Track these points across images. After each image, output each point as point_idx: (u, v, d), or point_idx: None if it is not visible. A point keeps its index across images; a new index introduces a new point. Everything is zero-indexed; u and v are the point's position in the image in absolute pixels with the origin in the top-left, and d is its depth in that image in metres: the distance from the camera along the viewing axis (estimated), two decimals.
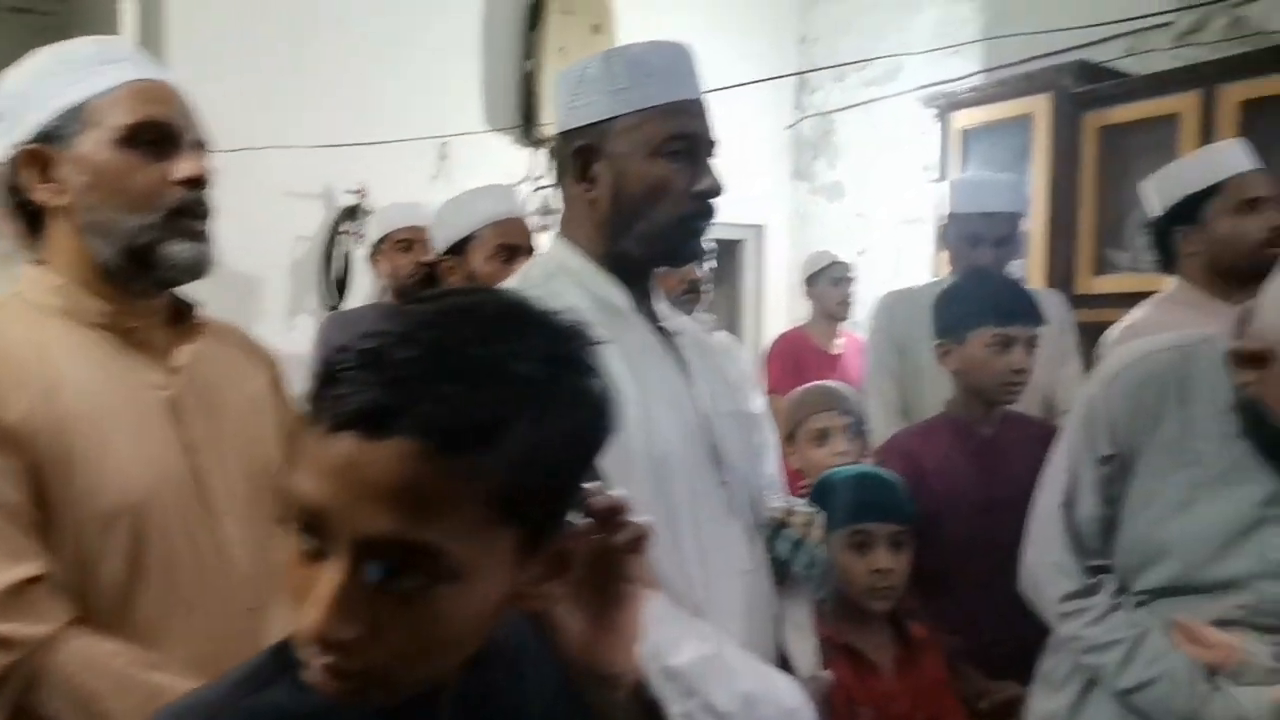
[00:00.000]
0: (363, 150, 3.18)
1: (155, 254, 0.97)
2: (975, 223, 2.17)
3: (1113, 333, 1.93)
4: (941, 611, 1.67)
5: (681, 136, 1.12)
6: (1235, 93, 2.64)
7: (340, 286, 3.29)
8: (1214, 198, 1.84)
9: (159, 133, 0.97)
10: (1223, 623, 1.18)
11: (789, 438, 2.02)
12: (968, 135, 3.26)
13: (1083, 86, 2.96)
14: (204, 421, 1.00)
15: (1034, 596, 1.33)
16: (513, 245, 1.80)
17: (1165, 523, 1.21)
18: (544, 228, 3.06)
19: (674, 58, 1.15)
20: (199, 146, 1.02)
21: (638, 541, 0.63)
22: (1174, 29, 3.00)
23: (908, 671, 1.47)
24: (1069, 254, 3.01)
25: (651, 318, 1.20)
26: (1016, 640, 1.44)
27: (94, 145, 0.95)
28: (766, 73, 3.93)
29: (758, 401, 2.17)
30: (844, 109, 4.13)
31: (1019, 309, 1.70)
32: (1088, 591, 1.26)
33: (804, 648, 1.20)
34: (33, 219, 0.99)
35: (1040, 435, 1.59)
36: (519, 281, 1.19)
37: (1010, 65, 3.29)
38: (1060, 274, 3.01)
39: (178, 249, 0.98)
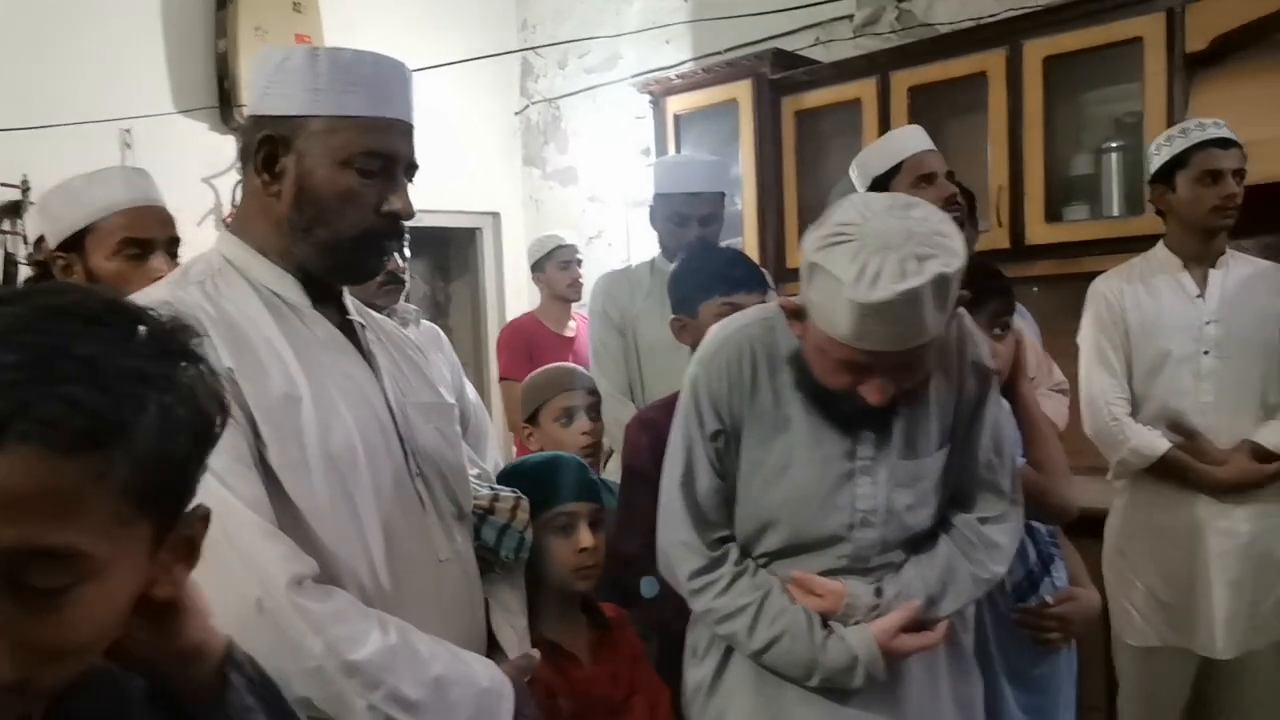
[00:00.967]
0: (23, 138, 2.81)
1: None
2: (680, 203, 2.25)
3: None
4: None
5: (377, 154, 1.06)
6: (904, 79, 2.94)
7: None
8: (897, 175, 2.12)
9: None
10: (831, 572, 1.27)
11: (530, 419, 2.00)
12: (681, 120, 3.40)
13: (779, 74, 3.18)
14: None
15: (668, 576, 1.35)
16: (144, 239, 1.57)
17: (770, 489, 1.27)
18: None
19: (386, 73, 1.09)
20: None
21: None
22: (854, 21, 3.28)
23: (604, 654, 1.49)
24: (778, 231, 3.23)
25: (340, 311, 1.15)
26: None
27: None
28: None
29: (469, 391, 2.16)
30: (568, 95, 4.18)
31: (745, 278, 1.76)
32: (713, 565, 1.29)
33: (510, 632, 1.19)
34: None
35: None
36: (178, 278, 1.09)
37: (716, 54, 3.47)
38: (772, 251, 3.22)
39: None
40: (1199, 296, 2.11)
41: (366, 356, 1.13)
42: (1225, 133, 2.07)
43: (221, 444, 0.61)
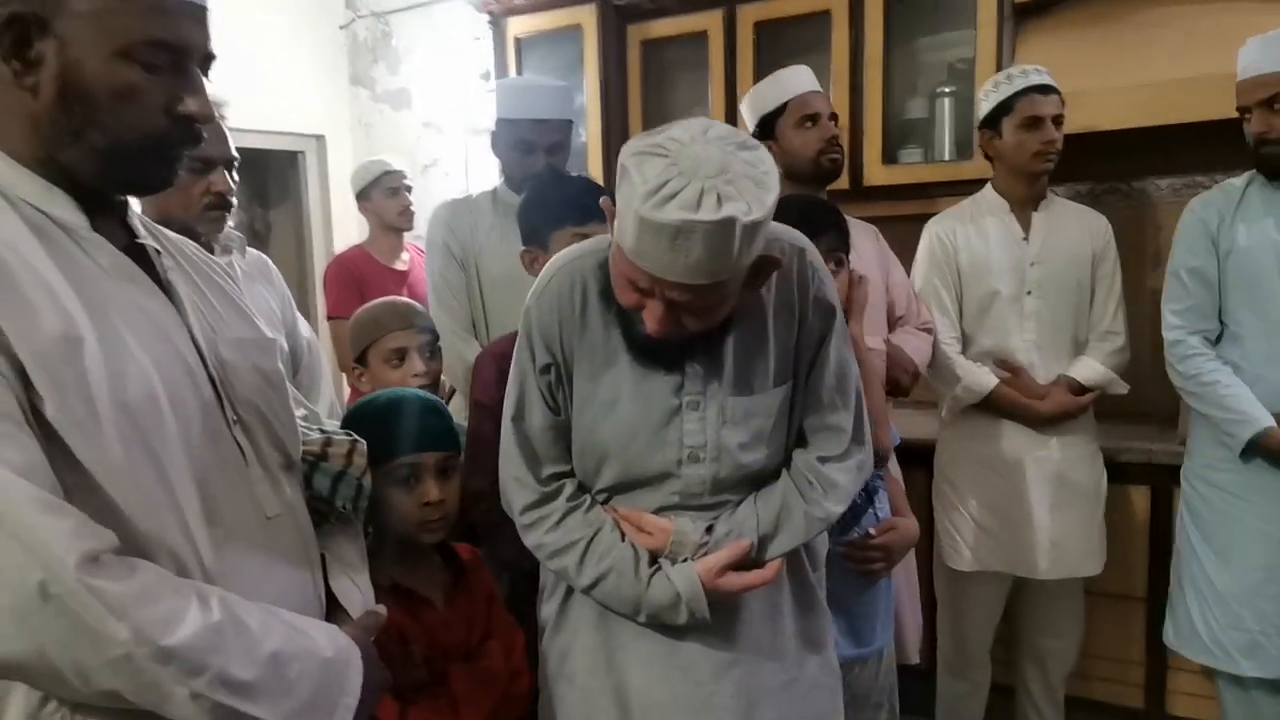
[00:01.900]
0: None
1: None
2: (525, 129, 2.12)
3: None
4: None
5: (164, 44, 0.90)
6: (750, 13, 2.91)
7: None
8: (783, 115, 2.13)
9: None
10: (665, 509, 1.26)
11: (360, 359, 1.86)
12: (522, 44, 3.24)
13: (625, 0, 3.07)
14: None
15: (508, 512, 1.33)
16: None
17: (600, 424, 1.24)
18: None
19: None
20: None
21: None
22: None
23: (458, 597, 1.43)
24: None
25: (127, 233, 0.98)
26: None
27: None
28: None
29: (301, 327, 1.99)
30: (399, 10, 3.91)
31: (594, 207, 1.67)
32: (544, 500, 1.28)
33: (352, 588, 1.10)
34: None
35: None
36: None
37: None
38: (614, 183, 3.14)
39: None
40: (1024, 239, 2.22)
41: (164, 286, 0.97)
42: (1046, 79, 2.15)
43: None
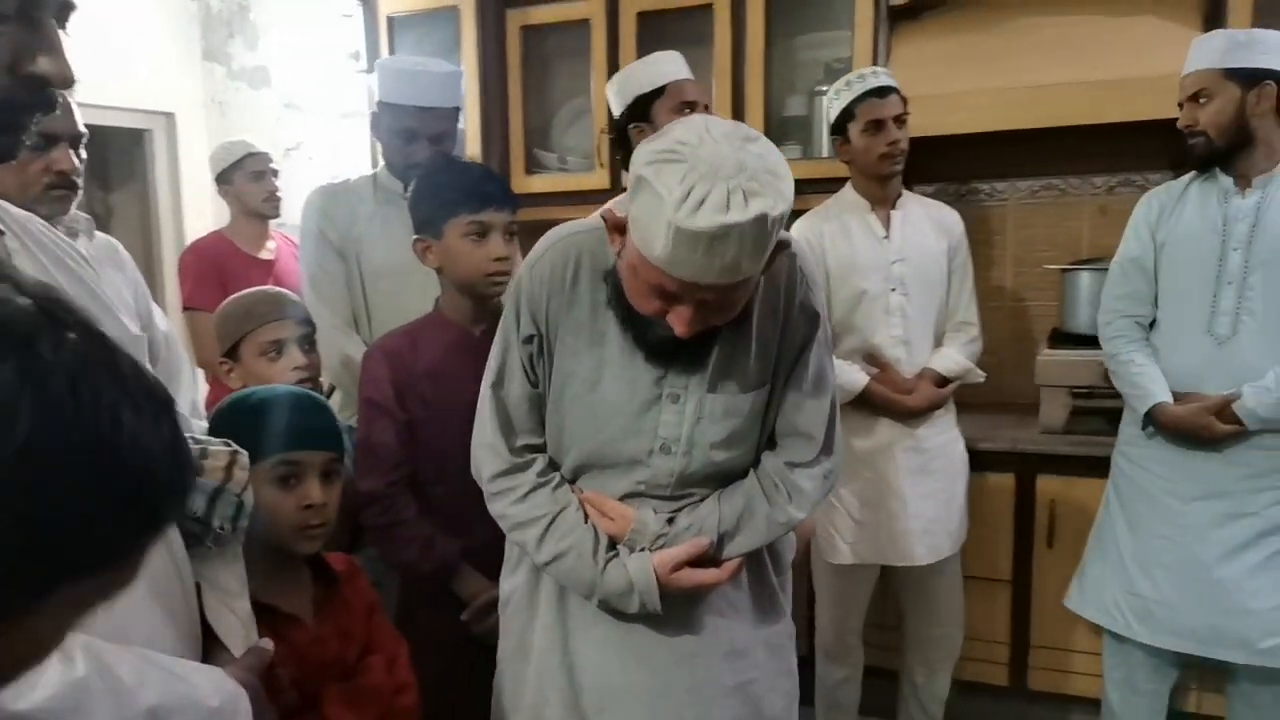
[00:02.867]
0: None
1: None
2: (410, 116, 2.01)
3: None
4: (440, 515, 1.64)
5: None
6: (634, 2, 2.87)
7: None
8: (661, 97, 2.06)
9: None
10: (628, 496, 1.27)
11: (230, 353, 1.72)
12: (395, 23, 3.10)
13: None
14: None
15: (476, 479, 1.34)
16: None
17: (578, 402, 1.25)
18: None
19: None
20: None
21: None
22: None
23: (331, 611, 1.34)
24: (503, 154, 3.06)
25: None
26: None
27: None
28: None
29: (158, 318, 1.82)
30: None
31: (494, 194, 1.63)
32: (515, 470, 1.29)
33: (231, 619, 0.99)
34: None
35: None
36: None
37: None
38: (497, 172, 3.05)
39: None
40: (885, 237, 2.28)
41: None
42: (883, 81, 2.21)
43: None
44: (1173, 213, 2.12)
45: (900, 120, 2.21)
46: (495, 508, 1.31)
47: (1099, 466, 2.41)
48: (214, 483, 1.02)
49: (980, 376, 2.35)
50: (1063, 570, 2.47)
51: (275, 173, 2.91)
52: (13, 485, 0.38)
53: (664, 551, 1.23)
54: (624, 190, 2.08)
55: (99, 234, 1.76)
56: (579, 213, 1.64)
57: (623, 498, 1.27)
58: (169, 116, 3.76)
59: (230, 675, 0.89)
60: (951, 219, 2.36)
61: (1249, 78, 1.94)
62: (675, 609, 1.25)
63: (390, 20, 3.09)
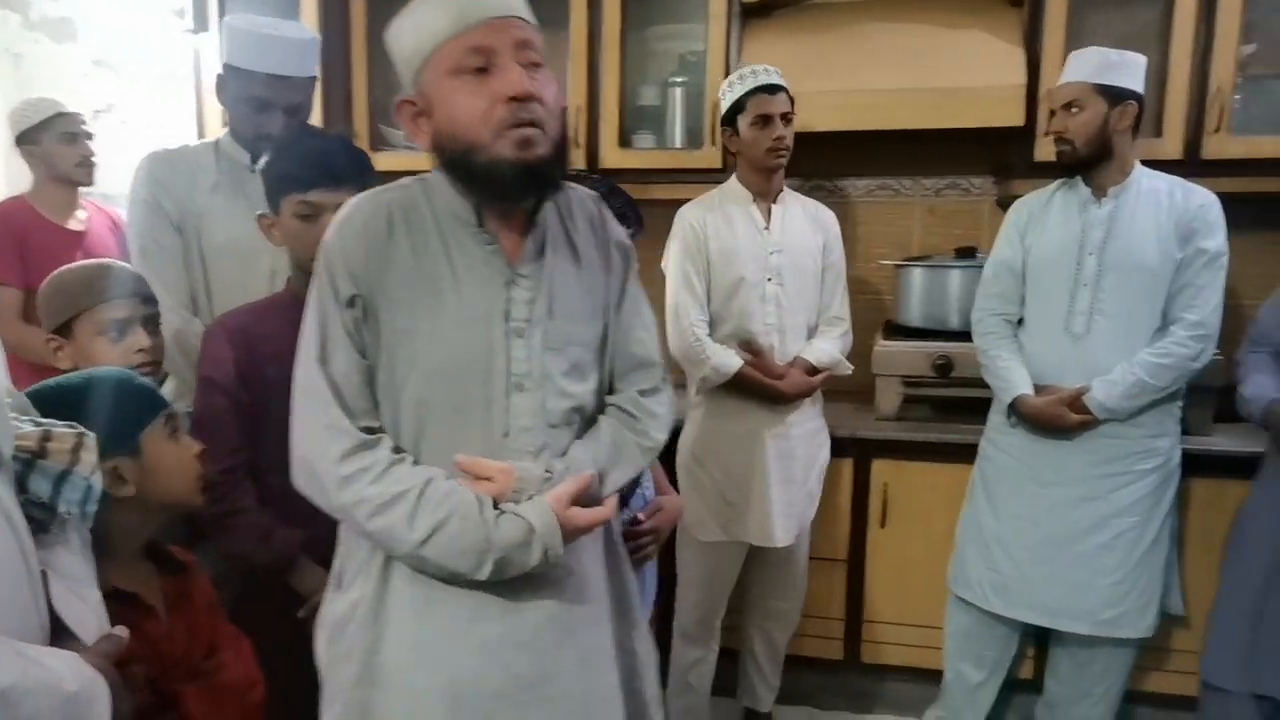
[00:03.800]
0: None
1: None
2: (260, 85, 1.85)
3: None
4: (279, 505, 1.52)
5: None
6: None
7: None
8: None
9: None
10: (492, 452, 1.20)
11: (60, 330, 1.54)
12: None
13: None
14: None
15: (309, 475, 1.18)
16: None
17: (421, 356, 1.18)
18: None
19: None
20: None
21: None
22: None
23: (179, 605, 1.26)
24: (346, 124, 2.91)
25: None
26: None
27: None
28: None
29: None
30: None
31: (326, 173, 1.54)
32: (366, 447, 1.16)
33: (81, 607, 0.89)
34: None
35: None
36: None
37: None
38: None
39: None
40: (765, 228, 2.35)
41: None
42: (775, 79, 2.29)
43: None
44: (1040, 219, 2.29)
45: (787, 118, 2.28)
46: (349, 494, 1.14)
47: (928, 451, 2.59)
48: (60, 466, 0.91)
49: (848, 369, 2.46)
50: (894, 548, 2.63)
51: (90, 135, 2.64)
52: None
53: (553, 490, 1.17)
54: None
55: None
56: None
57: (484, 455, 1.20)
58: None
59: (87, 662, 0.81)
60: (828, 217, 2.46)
61: (1115, 95, 2.12)
62: (548, 580, 1.20)
63: None
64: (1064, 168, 2.22)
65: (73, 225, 2.58)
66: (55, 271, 1.57)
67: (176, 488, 1.25)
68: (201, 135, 2.88)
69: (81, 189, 2.65)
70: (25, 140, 2.58)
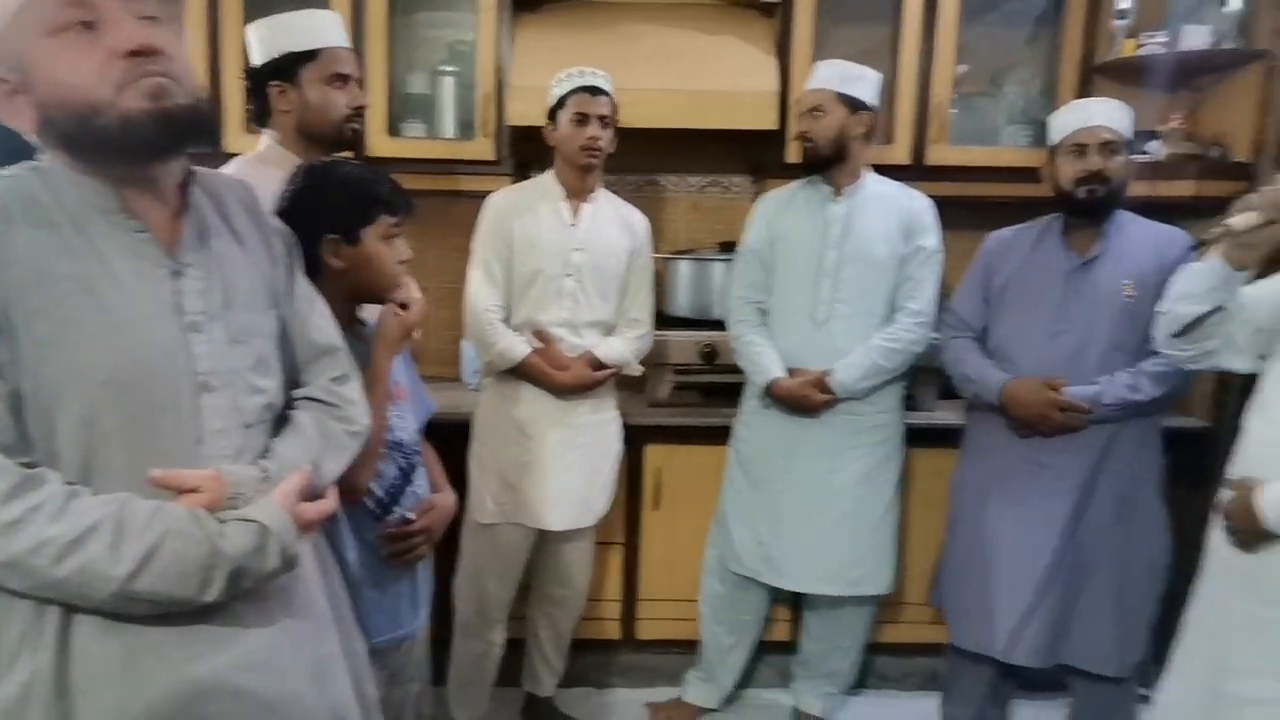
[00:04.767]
0: None
1: None
2: None
3: None
4: None
5: None
6: None
7: None
8: (314, 61, 1.83)
9: None
10: (188, 462, 1.08)
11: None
12: None
13: None
14: None
15: None
16: None
17: (84, 368, 1.01)
18: None
19: None
20: None
21: None
22: None
23: None
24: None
25: None
26: None
27: None
28: None
29: None
30: None
31: None
32: (33, 482, 0.97)
33: None
34: None
35: None
36: None
37: None
38: None
39: None
40: (572, 225, 2.38)
41: None
42: (600, 83, 2.32)
43: None
44: (785, 213, 2.47)
45: (605, 121, 2.32)
46: (24, 539, 0.94)
47: (697, 435, 2.72)
48: None
49: (638, 371, 2.53)
50: (666, 529, 2.76)
51: None
52: None
53: (279, 488, 1.09)
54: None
55: None
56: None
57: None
58: None
59: None
60: (640, 222, 2.51)
61: (853, 104, 2.34)
62: (265, 595, 1.10)
63: None
64: (806, 166, 2.42)
65: None
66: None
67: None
68: None
69: None
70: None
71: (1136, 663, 2.23)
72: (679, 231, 3.25)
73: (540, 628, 2.59)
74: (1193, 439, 1.82)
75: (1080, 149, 2.17)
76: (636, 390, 2.90)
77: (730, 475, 2.58)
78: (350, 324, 1.56)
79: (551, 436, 2.36)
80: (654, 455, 2.75)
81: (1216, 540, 1.73)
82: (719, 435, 2.67)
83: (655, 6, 2.89)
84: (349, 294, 1.55)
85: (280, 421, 1.20)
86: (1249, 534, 1.62)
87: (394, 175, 2.74)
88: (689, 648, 2.78)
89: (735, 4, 2.96)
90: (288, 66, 1.82)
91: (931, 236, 2.41)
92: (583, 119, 2.30)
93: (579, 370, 2.37)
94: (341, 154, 2.06)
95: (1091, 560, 2.19)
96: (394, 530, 1.57)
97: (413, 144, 2.82)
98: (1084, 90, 2.82)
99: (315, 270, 1.43)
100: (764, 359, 2.43)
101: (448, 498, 1.73)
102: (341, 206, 1.51)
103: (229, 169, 1.68)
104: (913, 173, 2.82)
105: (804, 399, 2.37)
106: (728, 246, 2.95)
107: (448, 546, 2.38)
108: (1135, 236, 2.20)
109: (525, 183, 2.47)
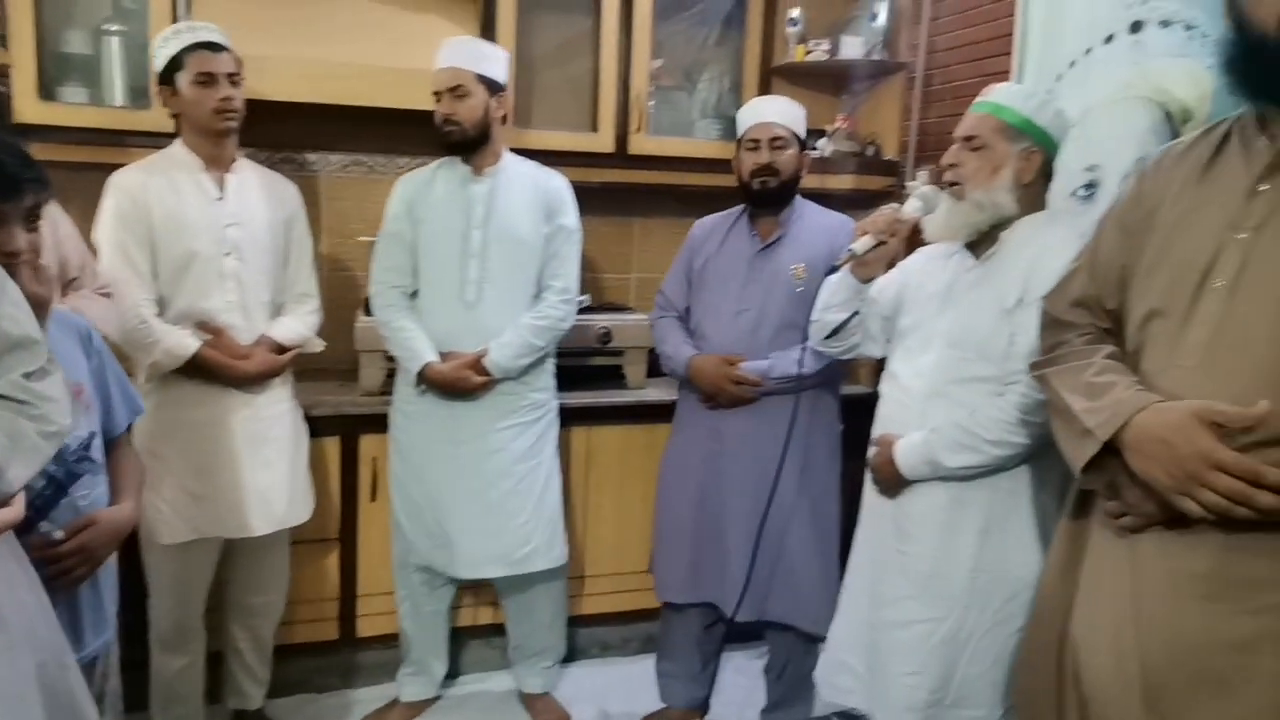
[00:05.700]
0: None
1: None
2: None
3: None
4: None
5: None
6: None
7: None
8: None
9: None
10: None
11: None
12: None
13: None
14: None
15: None
16: None
17: None
18: None
19: None
20: None
21: None
22: None
23: None
24: None
25: None
26: None
27: None
28: None
29: None
30: None
31: None
32: None
33: None
34: None
35: None
36: None
37: None
38: None
39: None
40: (219, 199, 2.19)
41: None
42: (217, 37, 2.17)
43: None
44: (426, 193, 2.41)
45: (234, 79, 2.14)
46: None
47: None
48: None
49: (320, 346, 2.41)
50: (384, 522, 2.68)
51: None
52: None
53: None
54: None
55: None
56: None
57: None
58: None
59: None
60: (289, 190, 2.36)
61: (493, 86, 2.33)
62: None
63: None
64: (452, 147, 2.36)
65: None
66: None
67: None
68: None
69: None
70: None
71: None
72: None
73: (240, 640, 2.41)
74: (868, 406, 2.08)
75: (755, 144, 2.38)
76: (346, 379, 2.79)
77: (393, 468, 2.51)
78: None
79: (240, 434, 2.20)
80: (369, 446, 2.66)
81: (867, 490, 2.01)
82: None
83: None
84: None
85: None
86: (890, 482, 1.91)
87: (54, 146, 2.47)
88: None
89: None
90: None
91: (571, 215, 2.46)
92: (209, 79, 2.13)
93: (263, 356, 2.22)
94: None
95: (786, 525, 2.38)
96: (41, 549, 1.35)
97: (72, 111, 2.49)
98: (764, 89, 3.09)
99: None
100: (415, 343, 2.36)
101: (119, 513, 1.51)
102: None
103: None
104: (616, 161, 2.95)
105: (460, 382, 2.34)
106: None
107: (133, 561, 2.17)
108: (811, 224, 2.44)
109: (152, 157, 2.23)
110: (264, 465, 2.24)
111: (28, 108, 2.41)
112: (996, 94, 1.83)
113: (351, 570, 2.70)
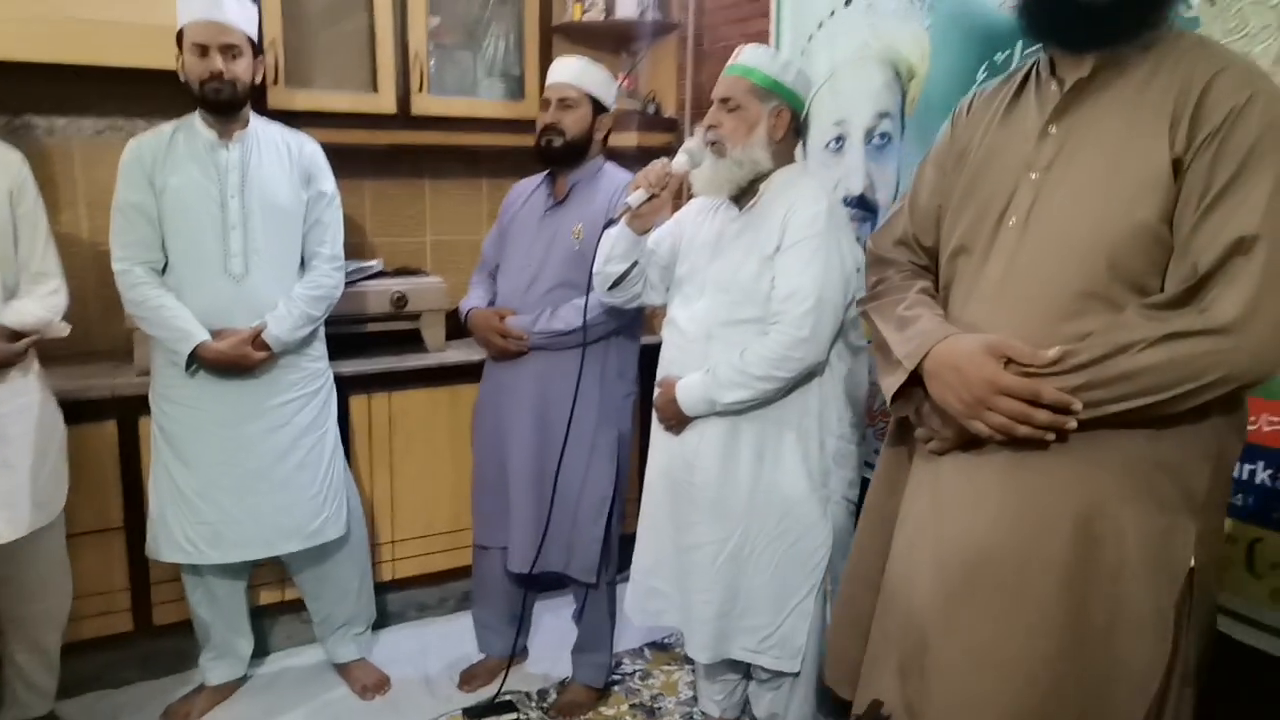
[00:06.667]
0: None
1: None
2: None
3: None
4: None
5: None
6: None
7: None
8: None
9: None
10: None
11: None
12: None
13: None
14: None
15: None
16: None
17: None
18: None
19: None
20: None
21: None
22: None
23: None
24: None
25: None
26: None
27: None
28: None
29: None
30: None
31: None
32: None
33: None
34: None
35: None
36: None
37: None
38: None
39: None
40: None
41: None
42: None
43: None
44: (165, 160, 2.24)
45: None
46: None
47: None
48: None
49: (64, 330, 2.19)
50: None
51: None
52: None
53: None
54: None
55: None
56: None
57: None
58: None
59: None
60: (12, 159, 2.11)
61: (256, 48, 2.26)
62: None
63: None
64: (221, 107, 2.23)
65: None
66: None
67: None
68: None
69: None
70: None
71: (599, 568, 2.49)
72: None
73: (18, 653, 2.23)
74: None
75: (547, 103, 2.43)
76: (120, 360, 2.64)
77: (158, 456, 2.34)
78: None
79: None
80: (149, 427, 2.52)
81: (655, 430, 2.15)
82: None
83: None
84: None
85: None
86: (674, 420, 2.06)
87: None
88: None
89: None
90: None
91: (328, 181, 2.42)
92: None
93: None
94: None
95: (569, 478, 2.41)
96: None
97: None
98: (545, 48, 3.12)
99: None
100: (181, 322, 2.21)
101: None
102: None
103: None
104: (399, 123, 2.91)
105: (241, 359, 2.24)
106: None
107: None
108: (600, 184, 2.48)
109: None
110: (4, 465, 2.04)
111: None
112: (745, 56, 1.98)
113: (141, 557, 2.57)
